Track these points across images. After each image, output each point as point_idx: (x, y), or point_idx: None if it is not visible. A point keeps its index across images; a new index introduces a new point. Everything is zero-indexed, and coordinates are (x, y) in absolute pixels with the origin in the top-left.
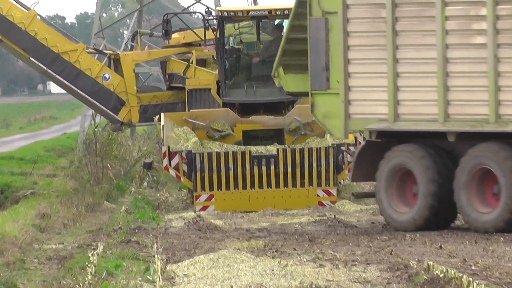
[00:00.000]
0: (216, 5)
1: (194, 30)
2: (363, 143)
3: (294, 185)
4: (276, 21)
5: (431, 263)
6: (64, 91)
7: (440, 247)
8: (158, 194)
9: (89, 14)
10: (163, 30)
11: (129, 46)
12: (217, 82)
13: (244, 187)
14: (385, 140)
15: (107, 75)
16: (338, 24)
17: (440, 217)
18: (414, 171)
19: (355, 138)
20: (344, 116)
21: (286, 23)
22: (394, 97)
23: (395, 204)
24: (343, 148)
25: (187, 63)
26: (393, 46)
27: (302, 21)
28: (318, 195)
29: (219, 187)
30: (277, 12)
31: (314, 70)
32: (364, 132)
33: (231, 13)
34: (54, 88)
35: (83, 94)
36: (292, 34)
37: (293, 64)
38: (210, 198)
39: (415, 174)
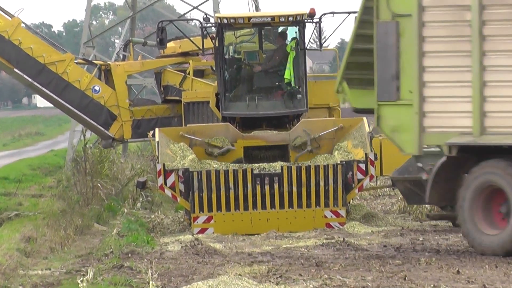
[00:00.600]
0: (215, 12)
1: (191, 38)
2: (441, 159)
3: (299, 205)
4: (280, 29)
5: None
6: (51, 105)
7: (458, 272)
8: (153, 216)
9: (78, 21)
10: (158, 39)
11: (121, 56)
12: (216, 95)
13: (246, 208)
14: (466, 156)
15: (97, 88)
16: (411, 28)
17: None
18: (507, 189)
19: (366, 154)
20: (418, 130)
21: (289, 30)
22: (480, 108)
23: (481, 226)
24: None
25: (183, 74)
26: (480, 52)
27: (368, 29)
28: (325, 216)
29: (219, 208)
30: (280, 19)
31: (382, 79)
32: (443, 147)
33: (231, 20)
34: (40, 101)
35: (72, 108)
36: (356, 44)
37: (357, 79)
38: (209, 219)
39: (507, 192)
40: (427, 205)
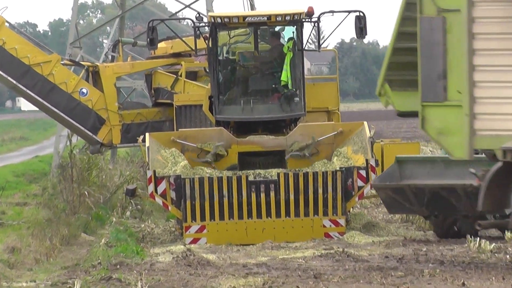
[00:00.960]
0: (208, 11)
1: (184, 38)
2: (497, 165)
3: (297, 214)
4: (277, 28)
5: None
6: (36, 108)
7: (463, 284)
8: (143, 225)
9: (64, 21)
10: (148, 39)
11: (110, 57)
12: (210, 98)
13: (241, 216)
14: None
15: (84, 90)
16: (460, 24)
17: None
18: None
19: (366, 161)
20: (468, 133)
21: (287, 30)
22: None
23: None
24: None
25: (175, 76)
26: None
27: (410, 27)
28: (324, 226)
29: (212, 217)
30: (277, 19)
31: (427, 78)
32: (497, 152)
33: (225, 20)
34: (24, 105)
35: (58, 111)
36: (398, 43)
37: (400, 80)
38: (201, 229)
39: None
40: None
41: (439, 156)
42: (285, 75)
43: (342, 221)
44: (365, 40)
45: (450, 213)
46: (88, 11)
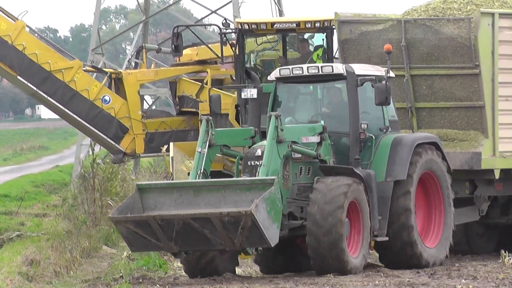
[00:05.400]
0: (235, 17)
1: (209, 45)
2: None
3: None
4: (306, 35)
5: None
6: (56, 116)
7: None
8: None
9: (86, 26)
10: (173, 45)
11: (133, 64)
12: (236, 107)
13: None
14: None
15: (107, 98)
16: None
17: None
18: None
19: None
20: None
21: (316, 37)
22: None
23: None
24: None
25: (200, 83)
26: None
27: None
28: None
29: None
30: (306, 25)
31: None
32: None
33: (253, 26)
34: (44, 112)
35: (79, 119)
36: None
37: None
38: None
39: None
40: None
41: (188, 182)
42: None
43: None
44: None
45: (204, 248)
46: (111, 16)
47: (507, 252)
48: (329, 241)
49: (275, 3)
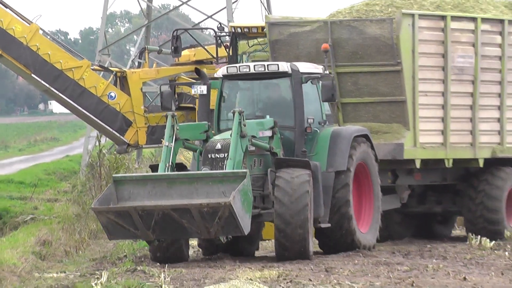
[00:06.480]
0: (229, 21)
1: (206, 47)
2: None
3: None
4: None
5: None
6: (66, 111)
7: (464, 278)
8: None
9: (94, 29)
10: (173, 47)
11: (136, 64)
12: None
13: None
14: None
15: (113, 94)
16: None
17: None
18: None
19: None
20: None
21: None
22: None
23: None
24: None
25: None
26: None
27: None
28: None
29: None
30: None
31: None
32: None
33: (245, 30)
34: (56, 107)
35: (88, 113)
36: None
37: None
38: None
39: None
40: None
41: (161, 174)
42: None
43: None
44: None
45: (180, 236)
46: (116, 21)
47: (474, 235)
48: (296, 223)
49: (265, 9)
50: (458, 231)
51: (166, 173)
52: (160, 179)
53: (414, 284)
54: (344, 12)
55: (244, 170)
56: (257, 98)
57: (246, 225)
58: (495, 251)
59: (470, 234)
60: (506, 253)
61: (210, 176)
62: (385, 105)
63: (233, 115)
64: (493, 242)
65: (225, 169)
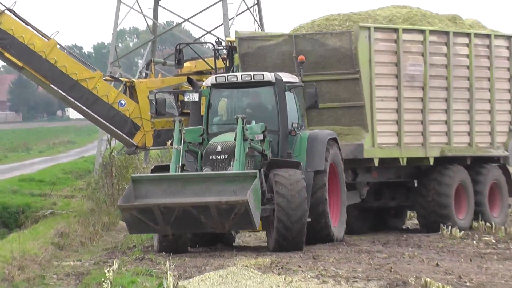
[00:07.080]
0: (226, 36)
1: (205, 59)
2: None
3: None
4: None
5: (428, 279)
6: (81, 117)
7: (437, 264)
8: None
9: (106, 44)
10: (176, 59)
11: (144, 74)
12: None
13: None
14: None
15: (123, 101)
16: None
17: None
18: None
19: None
20: None
21: None
22: None
23: None
24: None
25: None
26: None
27: None
28: None
29: None
30: None
31: None
32: None
33: None
34: (72, 114)
35: (100, 119)
36: None
37: None
38: None
39: None
40: None
41: (176, 174)
42: None
43: None
44: None
45: (195, 231)
46: (126, 36)
47: (445, 225)
48: (296, 215)
49: (259, 25)
50: (409, 222)
51: (180, 173)
52: (175, 178)
53: (392, 270)
54: (306, 26)
55: (254, 171)
56: (243, 105)
57: (257, 221)
58: (464, 240)
59: (442, 225)
60: (474, 242)
61: (222, 176)
62: (346, 109)
63: (236, 120)
64: (462, 232)
65: (232, 169)
